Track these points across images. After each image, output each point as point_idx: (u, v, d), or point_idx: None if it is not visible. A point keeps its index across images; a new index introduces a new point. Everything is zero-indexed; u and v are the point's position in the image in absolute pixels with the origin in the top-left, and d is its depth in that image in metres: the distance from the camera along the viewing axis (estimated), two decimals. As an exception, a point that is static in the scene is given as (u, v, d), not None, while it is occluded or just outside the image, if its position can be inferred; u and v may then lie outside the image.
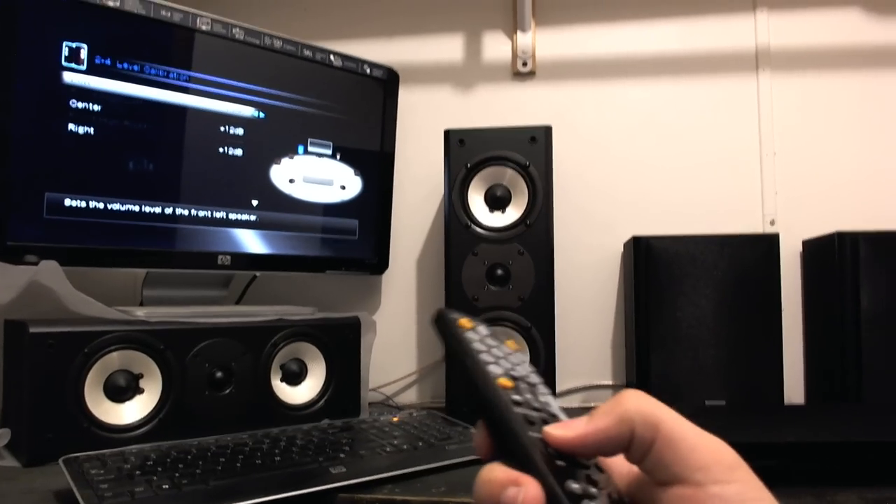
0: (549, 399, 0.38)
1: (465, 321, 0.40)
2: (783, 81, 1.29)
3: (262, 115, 1.09)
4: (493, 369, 0.37)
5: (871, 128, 1.27)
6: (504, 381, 0.36)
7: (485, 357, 0.38)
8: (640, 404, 0.33)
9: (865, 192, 1.26)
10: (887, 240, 1.05)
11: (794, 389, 1.20)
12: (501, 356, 0.39)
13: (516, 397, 0.35)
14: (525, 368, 0.40)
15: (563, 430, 0.33)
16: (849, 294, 1.05)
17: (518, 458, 0.33)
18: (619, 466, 0.36)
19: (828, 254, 1.11)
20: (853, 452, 0.73)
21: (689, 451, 0.32)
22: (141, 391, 0.88)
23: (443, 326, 0.40)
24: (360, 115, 1.23)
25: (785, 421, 0.88)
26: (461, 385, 1.02)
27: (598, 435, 0.33)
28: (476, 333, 0.40)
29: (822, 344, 1.16)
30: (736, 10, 1.31)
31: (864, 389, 1.03)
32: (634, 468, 0.35)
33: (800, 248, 1.25)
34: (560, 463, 0.33)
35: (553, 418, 0.36)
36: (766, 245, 1.10)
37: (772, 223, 1.27)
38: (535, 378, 0.40)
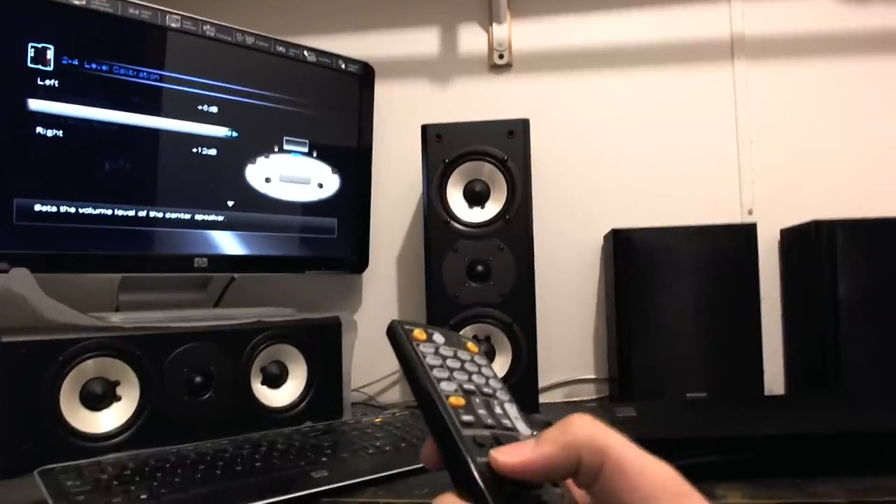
0: (507, 407, 0.38)
1: (419, 332, 0.40)
2: (758, 70, 1.30)
3: (234, 112, 1.08)
4: (445, 387, 0.36)
5: (847, 115, 1.27)
6: (455, 400, 0.36)
7: (437, 373, 0.37)
8: (588, 431, 0.33)
9: (843, 180, 1.26)
10: (864, 228, 1.06)
11: (774, 379, 1.21)
12: (458, 367, 0.39)
13: (467, 417, 0.35)
14: (483, 376, 0.40)
15: (509, 456, 0.33)
16: (827, 282, 1.06)
17: (464, 482, 0.33)
18: (575, 486, 0.36)
19: (805, 242, 1.11)
20: (834, 443, 0.74)
21: (636, 479, 0.32)
22: (118, 399, 0.87)
23: (395, 341, 0.39)
24: (335, 112, 1.21)
25: (765, 412, 0.88)
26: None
27: (543, 462, 0.33)
28: (431, 345, 0.39)
29: (802, 333, 1.17)
30: (710, -2, 1.31)
31: (844, 377, 1.03)
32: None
33: (778, 237, 1.25)
34: (508, 487, 0.33)
35: (507, 432, 0.36)
36: (745, 235, 1.11)
37: (750, 213, 1.28)
38: (494, 384, 0.40)
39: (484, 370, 0.40)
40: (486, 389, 0.38)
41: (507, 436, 0.35)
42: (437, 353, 0.39)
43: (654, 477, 0.32)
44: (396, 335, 0.39)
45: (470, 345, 0.42)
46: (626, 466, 0.32)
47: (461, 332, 1.10)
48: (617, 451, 0.32)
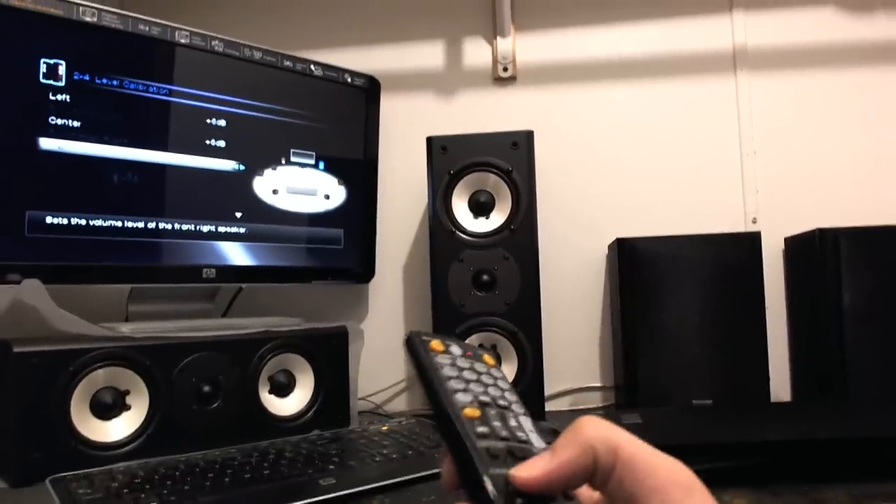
0: (522, 420, 0.38)
1: (436, 343, 0.40)
2: (761, 81, 1.31)
3: (242, 126, 1.09)
4: (461, 398, 0.37)
5: (849, 124, 1.28)
6: (470, 412, 0.36)
7: (453, 384, 0.37)
8: (599, 430, 0.34)
9: (846, 188, 1.27)
10: (868, 235, 1.06)
11: (780, 386, 1.21)
12: (474, 378, 0.39)
13: (481, 429, 0.35)
14: (499, 388, 0.40)
15: (528, 471, 0.33)
16: (831, 290, 1.06)
17: (477, 494, 0.33)
18: (583, 493, 0.36)
19: (809, 250, 1.12)
20: (840, 449, 0.74)
21: (647, 474, 0.32)
22: (128, 408, 0.87)
23: (412, 351, 0.39)
24: (342, 124, 1.23)
25: (771, 418, 0.88)
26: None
27: (564, 468, 0.33)
28: (448, 356, 0.39)
29: (807, 340, 1.17)
30: (712, 10, 1.32)
31: (849, 384, 1.04)
32: (597, 495, 0.35)
33: (782, 245, 1.26)
34: (521, 500, 0.33)
35: (521, 445, 0.36)
36: (749, 243, 1.11)
37: (754, 221, 1.28)
38: (510, 397, 0.39)
39: (500, 383, 0.40)
40: (501, 402, 0.38)
41: (521, 448, 0.35)
42: (453, 364, 0.39)
43: (665, 471, 0.32)
44: (414, 346, 0.39)
45: (486, 357, 0.42)
46: (638, 462, 0.33)
47: (466, 341, 1.10)
48: (628, 448, 0.33)
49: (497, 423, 0.36)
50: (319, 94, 1.19)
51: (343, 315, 1.34)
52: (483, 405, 0.37)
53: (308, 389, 1.03)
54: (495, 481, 0.33)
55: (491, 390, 0.39)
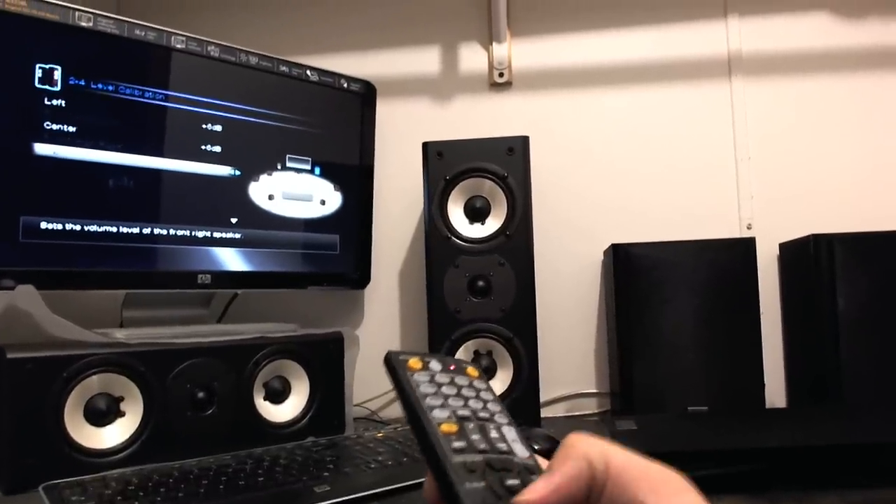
0: (504, 430, 0.38)
1: (414, 362, 0.40)
2: (756, 86, 1.31)
3: (238, 130, 1.09)
4: (438, 414, 0.37)
5: (844, 130, 1.28)
6: (447, 427, 0.36)
7: (431, 402, 0.38)
8: (591, 444, 0.35)
9: (840, 194, 1.27)
10: (862, 241, 1.07)
11: (775, 392, 1.21)
12: (454, 393, 0.39)
13: (458, 444, 0.36)
14: (480, 400, 0.40)
15: (531, 494, 0.33)
16: (826, 295, 1.06)
17: None
18: None
19: (804, 256, 1.12)
20: (836, 455, 0.74)
21: (640, 476, 0.33)
22: (122, 414, 0.87)
23: (390, 371, 0.40)
24: (338, 130, 1.23)
25: (767, 425, 0.88)
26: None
27: (569, 482, 0.33)
28: (426, 373, 0.40)
29: (802, 346, 1.17)
30: (707, 16, 1.33)
31: (845, 390, 1.04)
32: None
33: (777, 251, 1.26)
34: None
35: (501, 456, 0.36)
36: (744, 249, 1.11)
37: (748, 227, 1.28)
38: (492, 408, 0.40)
39: (482, 394, 0.41)
40: (482, 414, 0.39)
41: (500, 459, 0.36)
42: (432, 380, 0.40)
43: (657, 473, 0.33)
44: (391, 366, 0.40)
45: (470, 369, 0.43)
46: (631, 467, 0.33)
47: (462, 346, 1.10)
48: (619, 457, 0.34)
49: (476, 437, 0.37)
50: (315, 99, 1.19)
51: (338, 321, 1.34)
52: (461, 419, 0.38)
53: (303, 396, 1.03)
54: (470, 494, 0.33)
55: (472, 403, 0.39)
